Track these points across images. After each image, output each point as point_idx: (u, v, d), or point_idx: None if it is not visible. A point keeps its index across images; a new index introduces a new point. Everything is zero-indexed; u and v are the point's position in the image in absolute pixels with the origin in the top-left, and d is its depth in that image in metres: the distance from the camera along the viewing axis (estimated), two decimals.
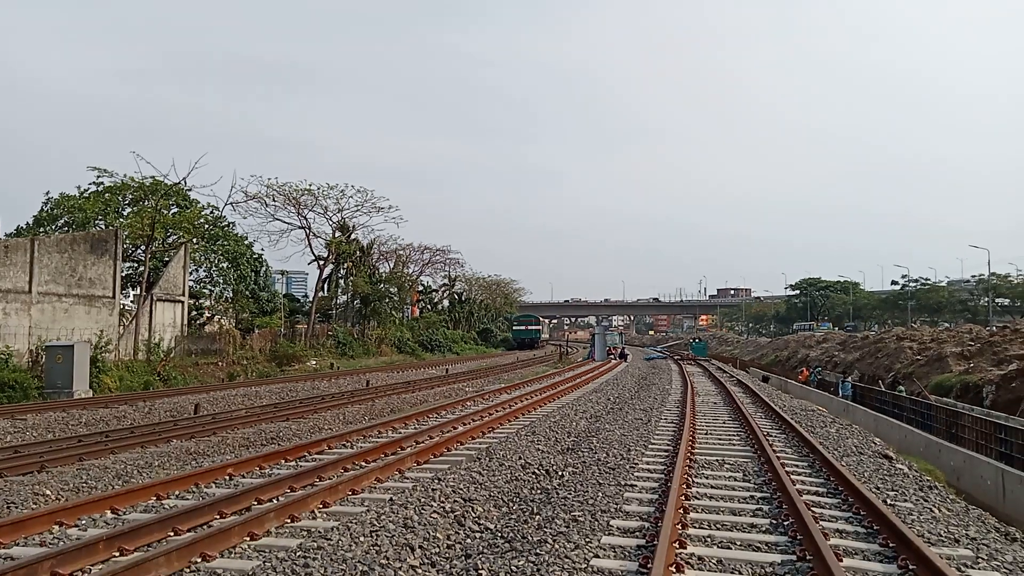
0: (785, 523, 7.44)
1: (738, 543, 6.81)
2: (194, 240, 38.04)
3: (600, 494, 8.56)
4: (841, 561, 6.07)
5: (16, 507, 8.30)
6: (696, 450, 12.06)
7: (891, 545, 6.66)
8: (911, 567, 6.03)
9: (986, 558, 6.62)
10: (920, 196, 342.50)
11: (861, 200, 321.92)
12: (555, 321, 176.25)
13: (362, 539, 6.63)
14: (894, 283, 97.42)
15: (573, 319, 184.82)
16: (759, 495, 8.82)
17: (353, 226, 52.53)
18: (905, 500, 8.86)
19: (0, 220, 30.57)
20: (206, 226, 39.41)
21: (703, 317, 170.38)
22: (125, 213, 37.01)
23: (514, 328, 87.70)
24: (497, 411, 17.26)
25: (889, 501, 8.67)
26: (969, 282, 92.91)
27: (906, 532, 6.58)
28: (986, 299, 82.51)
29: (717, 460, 11.19)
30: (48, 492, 9.08)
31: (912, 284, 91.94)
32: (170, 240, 37.18)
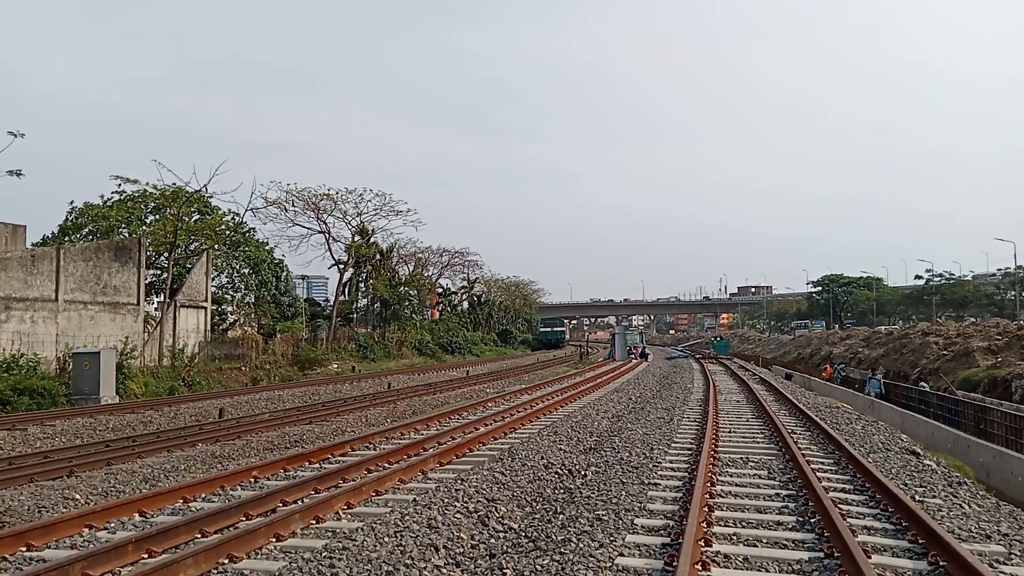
0: (812, 520, 7.37)
1: (764, 541, 6.75)
2: (216, 246, 38.43)
3: (624, 493, 8.53)
4: (870, 558, 5.99)
5: (47, 510, 8.43)
6: (720, 448, 11.98)
7: (920, 541, 6.57)
8: (942, 563, 5.94)
9: (1019, 554, 6.51)
10: (944, 190, 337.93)
11: (883, 195, 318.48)
12: (575, 322, 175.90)
13: (387, 539, 6.66)
14: (918, 278, 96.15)
15: (593, 319, 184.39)
16: (785, 492, 8.74)
17: (372, 230, 52.80)
18: (934, 496, 8.74)
19: (26, 230, 31.20)
20: (228, 232, 39.79)
21: (724, 315, 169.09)
22: (148, 221, 37.48)
23: (541, 330, 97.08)
24: (518, 412, 17.26)
25: (917, 497, 8.55)
26: (995, 276, 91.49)
27: (936, 528, 6.48)
28: (1013, 293, 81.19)
29: (741, 458, 11.10)
30: (77, 496, 9.22)
31: (936, 279, 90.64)
32: (192, 247, 37.59)
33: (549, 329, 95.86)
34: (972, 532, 7.15)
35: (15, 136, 24.80)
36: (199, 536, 6.80)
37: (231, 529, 7.04)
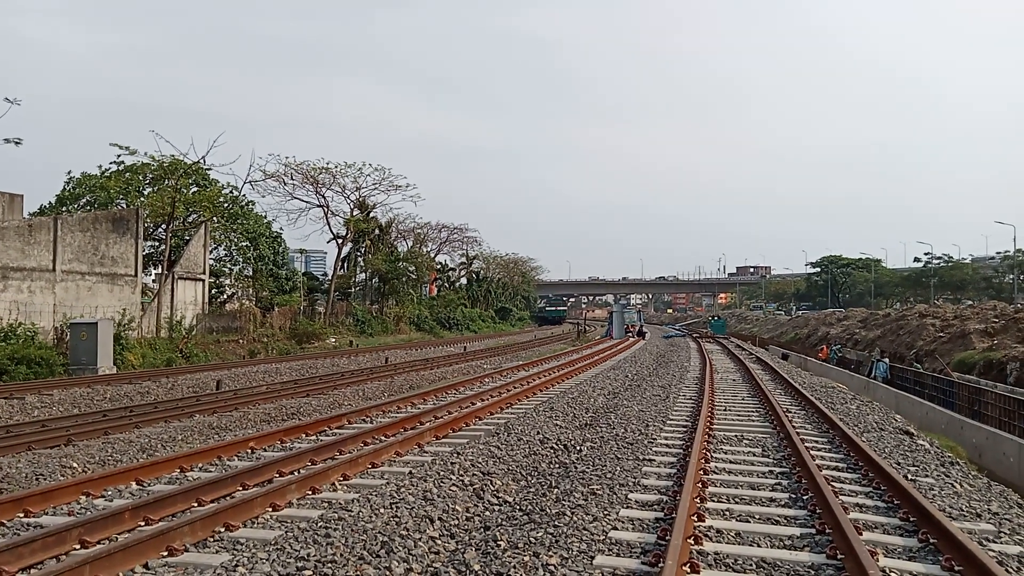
0: (804, 497, 7.43)
1: (757, 516, 6.80)
2: (214, 219, 38.30)
3: (618, 468, 8.58)
4: (861, 534, 6.04)
5: (44, 478, 8.48)
6: (715, 426, 12.04)
7: (912, 519, 6.63)
8: (932, 540, 6.00)
9: (1008, 532, 6.57)
10: (944, 174, 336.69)
11: (883, 177, 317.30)
12: (573, 299, 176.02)
13: (382, 511, 6.70)
14: (916, 260, 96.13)
15: (591, 297, 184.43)
16: (778, 470, 8.80)
17: (372, 205, 52.61)
18: (926, 476, 8.80)
19: (24, 199, 31.15)
20: (226, 205, 39.65)
21: (722, 295, 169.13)
22: (146, 192, 37.30)
23: (546, 308, 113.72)
24: (515, 387, 17.32)
25: (910, 476, 8.61)
26: (994, 259, 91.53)
27: (927, 506, 6.54)
28: (1011, 276, 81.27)
29: (736, 436, 11.17)
30: (75, 464, 9.27)
31: (935, 261, 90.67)
32: (190, 219, 37.46)
33: (553, 308, 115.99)
34: (963, 511, 7.21)
35: (11, 103, 24.56)
36: (196, 505, 6.84)
37: (228, 498, 7.08)
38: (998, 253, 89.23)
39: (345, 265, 54.61)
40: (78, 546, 5.64)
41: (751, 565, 5.53)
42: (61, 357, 22.85)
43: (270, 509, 6.74)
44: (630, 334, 54.57)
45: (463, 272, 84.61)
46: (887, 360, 29.42)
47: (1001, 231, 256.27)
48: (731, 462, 9.24)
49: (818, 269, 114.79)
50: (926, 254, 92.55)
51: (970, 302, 68.56)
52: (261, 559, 5.49)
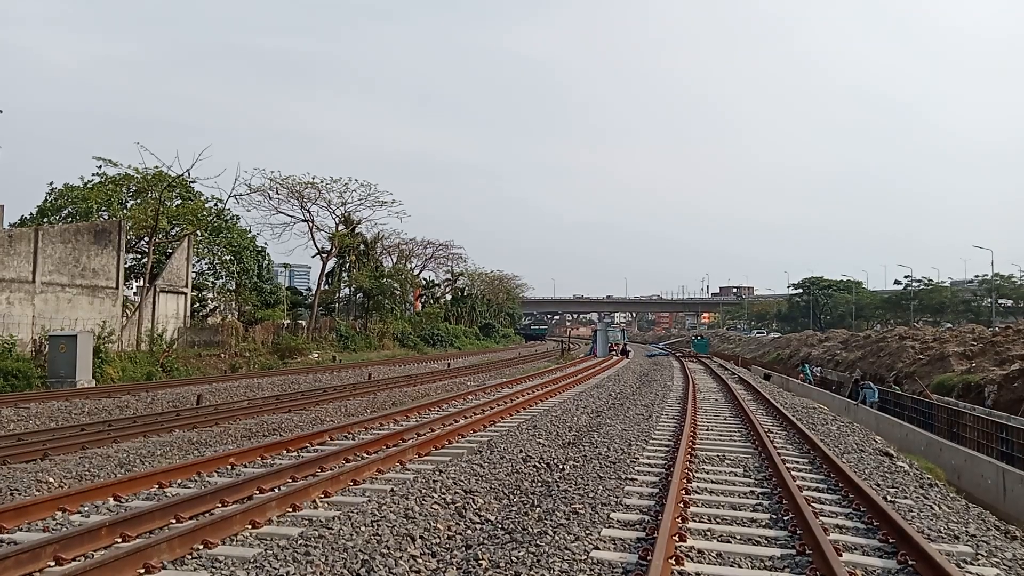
0: (785, 518, 7.46)
1: (738, 537, 6.82)
2: (198, 232, 38.11)
3: (601, 487, 8.58)
4: (841, 556, 6.08)
5: (19, 493, 8.34)
6: (697, 445, 12.07)
7: (891, 541, 6.67)
8: (911, 562, 6.04)
9: (985, 555, 6.62)
10: (926, 198, 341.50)
11: (866, 200, 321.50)
12: (557, 317, 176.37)
13: (363, 528, 6.66)
14: (897, 283, 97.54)
15: (575, 315, 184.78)
16: (759, 490, 8.84)
17: (358, 220, 52.60)
18: (905, 497, 8.87)
19: (4, 210, 30.83)
20: (210, 218, 39.49)
21: (705, 315, 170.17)
22: (128, 204, 37.10)
23: (531, 327, 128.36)
24: (498, 405, 17.29)
25: (889, 498, 8.67)
26: (972, 282, 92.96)
27: (906, 528, 6.59)
28: (989, 300, 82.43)
29: (718, 455, 11.20)
30: (51, 479, 9.13)
31: (915, 284, 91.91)
32: (173, 232, 37.25)
33: (538, 326, 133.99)
34: (941, 532, 7.27)
35: None
36: (174, 521, 6.76)
37: (207, 515, 7.00)
38: (976, 277, 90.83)
39: (329, 280, 54.45)
40: (53, 563, 5.55)
41: None
42: (39, 370, 22.56)
43: (250, 526, 6.68)
44: (614, 352, 54.65)
45: (448, 288, 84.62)
46: (872, 384, 28.32)
47: (979, 255, 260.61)
48: (713, 482, 9.27)
49: (800, 290, 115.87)
50: (906, 277, 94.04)
51: (949, 325, 69.43)
52: None
